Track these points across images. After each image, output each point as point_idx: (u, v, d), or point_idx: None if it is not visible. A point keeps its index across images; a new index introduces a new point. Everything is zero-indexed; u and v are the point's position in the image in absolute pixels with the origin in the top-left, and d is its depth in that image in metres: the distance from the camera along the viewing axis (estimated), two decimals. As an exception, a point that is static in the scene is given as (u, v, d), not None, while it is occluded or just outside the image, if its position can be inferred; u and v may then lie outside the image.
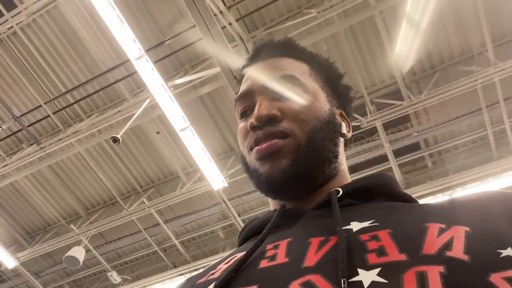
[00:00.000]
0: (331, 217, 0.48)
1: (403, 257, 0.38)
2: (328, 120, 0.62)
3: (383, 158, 5.60)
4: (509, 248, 0.36)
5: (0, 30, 4.87)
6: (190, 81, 4.78)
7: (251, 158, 0.61)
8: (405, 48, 4.58)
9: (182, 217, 6.47)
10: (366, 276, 0.36)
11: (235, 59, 3.68)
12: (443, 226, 0.41)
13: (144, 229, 6.52)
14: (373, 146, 5.50)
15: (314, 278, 0.38)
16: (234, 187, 5.77)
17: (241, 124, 0.65)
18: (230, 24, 4.50)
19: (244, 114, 0.66)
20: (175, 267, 6.83)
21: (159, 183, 6.42)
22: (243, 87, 0.68)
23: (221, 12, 4.32)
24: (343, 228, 0.45)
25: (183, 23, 4.80)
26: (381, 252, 0.39)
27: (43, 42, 5.24)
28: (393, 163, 5.49)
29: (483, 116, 5.16)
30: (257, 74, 0.67)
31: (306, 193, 0.60)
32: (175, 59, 5.34)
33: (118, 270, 7.07)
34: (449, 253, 0.37)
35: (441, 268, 0.35)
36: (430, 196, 5.47)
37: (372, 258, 0.39)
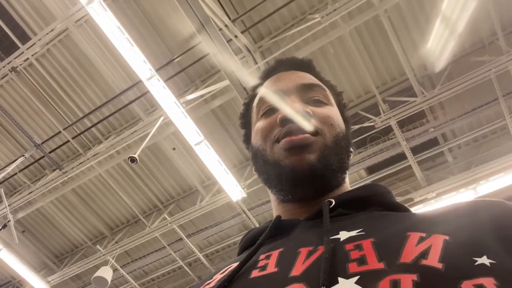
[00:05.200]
0: (322, 227, 0.50)
1: (381, 265, 0.39)
2: (346, 133, 0.65)
3: (402, 157, 5.52)
4: (485, 257, 0.37)
5: (16, 62, 5.07)
6: (201, 96, 4.85)
7: (276, 149, 0.61)
8: (438, 45, 4.57)
9: (204, 230, 6.51)
10: (344, 284, 0.38)
11: (243, 71, 3.73)
12: (423, 234, 0.42)
13: (168, 245, 6.58)
14: (389, 145, 5.43)
15: (298, 287, 0.40)
16: (253, 197, 5.79)
17: (265, 120, 0.65)
18: (236, 36, 4.57)
19: (269, 112, 0.67)
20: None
21: (179, 199, 6.49)
22: (269, 88, 0.70)
23: (226, 26, 4.39)
24: (331, 237, 0.46)
25: (190, 40, 4.89)
26: (361, 261, 0.41)
27: (58, 70, 5.43)
28: (411, 160, 5.40)
29: (501, 106, 5.04)
30: (286, 78, 0.70)
31: (317, 195, 0.61)
32: (185, 76, 5.43)
33: (146, 287, 7.14)
34: (424, 262, 0.38)
35: (414, 277, 0.36)
36: (453, 192, 5.34)
37: (352, 267, 0.40)
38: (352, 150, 0.68)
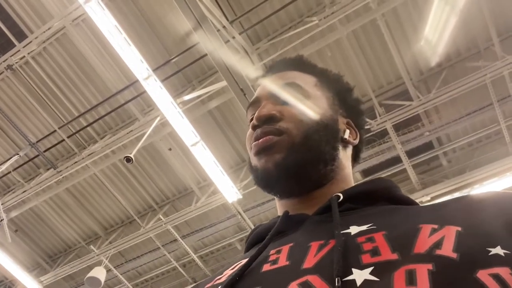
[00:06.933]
0: (332, 222, 0.50)
1: (395, 256, 0.39)
2: (326, 124, 0.64)
3: (397, 160, 5.54)
4: (499, 247, 0.37)
5: (12, 60, 5.04)
6: (198, 97, 4.85)
7: (252, 155, 0.65)
8: (432, 39, 4.61)
9: (199, 231, 6.50)
10: (359, 275, 0.38)
11: (241, 72, 3.73)
12: (435, 226, 0.43)
13: (162, 245, 6.55)
14: (385, 148, 5.46)
15: (312, 278, 0.40)
16: (248, 198, 5.78)
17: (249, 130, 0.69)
18: (233, 38, 4.58)
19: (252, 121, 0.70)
20: (195, 282, 6.83)
21: (174, 199, 6.47)
22: (253, 96, 0.74)
23: (224, 27, 4.40)
24: (342, 232, 0.46)
25: (188, 40, 4.89)
26: (374, 252, 0.41)
27: (54, 69, 5.40)
28: (407, 164, 5.43)
29: (495, 111, 5.08)
30: (265, 84, 0.72)
31: (302, 190, 0.62)
32: (182, 76, 5.43)
33: (139, 288, 7.10)
34: (438, 252, 0.38)
35: (429, 266, 0.36)
36: (448, 196, 5.37)
37: (366, 258, 0.40)
38: (346, 137, 0.66)
